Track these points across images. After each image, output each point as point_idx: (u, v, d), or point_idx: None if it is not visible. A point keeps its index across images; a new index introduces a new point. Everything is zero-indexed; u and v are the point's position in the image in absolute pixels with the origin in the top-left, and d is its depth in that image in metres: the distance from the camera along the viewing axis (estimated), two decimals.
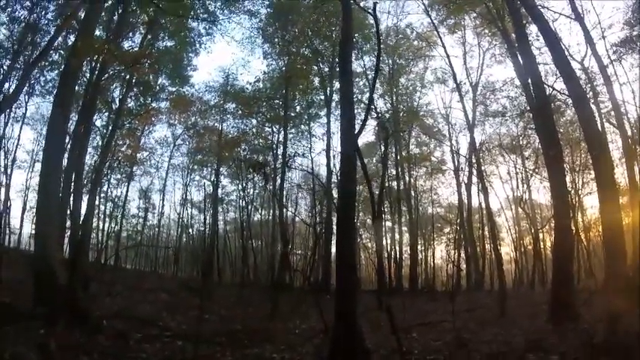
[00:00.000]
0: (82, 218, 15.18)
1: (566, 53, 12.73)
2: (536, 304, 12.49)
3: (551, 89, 14.91)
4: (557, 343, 6.93)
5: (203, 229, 31.29)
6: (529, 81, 12.27)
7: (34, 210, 19.85)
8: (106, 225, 29.30)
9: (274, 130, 25.29)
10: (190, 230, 33.01)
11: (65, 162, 12.81)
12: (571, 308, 9.09)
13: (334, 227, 21.06)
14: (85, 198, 17.24)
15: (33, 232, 26.86)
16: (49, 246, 8.26)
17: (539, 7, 11.18)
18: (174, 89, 23.84)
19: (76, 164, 15.09)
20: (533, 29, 13.77)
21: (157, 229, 35.00)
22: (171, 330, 8.30)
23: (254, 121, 25.46)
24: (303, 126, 26.05)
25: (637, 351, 5.55)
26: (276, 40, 22.65)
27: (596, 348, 5.97)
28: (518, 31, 12.12)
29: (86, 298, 7.62)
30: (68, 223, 15.34)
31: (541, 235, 26.34)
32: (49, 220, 8.60)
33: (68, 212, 14.93)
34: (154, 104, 22.93)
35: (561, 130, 18.19)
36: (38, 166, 27.37)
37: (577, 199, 23.83)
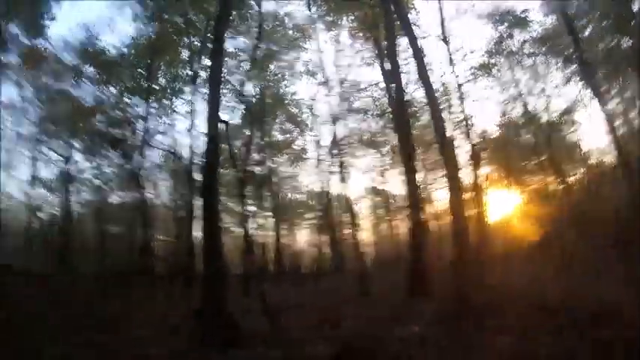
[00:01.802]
0: None
1: (429, 67, 14.34)
2: (395, 283, 13.86)
3: (412, 96, 16.78)
4: (414, 314, 7.79)
5: (55, 212, 27.14)
6: (392, 85, 13.54)
7: None
8: None
9: (135, 102, 23.00)
10: (40, 213, 28.32)
11: None
12: (425, 284, 10.40)
13: (197, 211, 20.47)
14: None
15: None
16: None
17: (412, 24, 12.42)
18: (26, 41, 20.02)
19: None
20: (403, 42, 15.13)
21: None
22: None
23: (113, 90, 22.81)
24: (166, 101, 24.21)
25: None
26: (148, 1, 20.68)
27: (448, 316, 6.91)
28: (389, 41, 13.28)
29: None
30: None
31: (396, 223, 29.53)
32: None
33: None
34: (1, 57, 19.13)
35: (416, 132, 20.30)
36: None
37: (427, 192, 27.14)
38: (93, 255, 24.95)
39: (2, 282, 12.16)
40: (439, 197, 28.23)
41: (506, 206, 22.52)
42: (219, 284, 6.96)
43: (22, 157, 27.35)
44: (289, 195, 33.57)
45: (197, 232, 18.45)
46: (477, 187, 17.79)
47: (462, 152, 20.29)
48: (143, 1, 20.84)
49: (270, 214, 28.16)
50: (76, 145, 24.68)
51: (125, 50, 21.63)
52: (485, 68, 20.24)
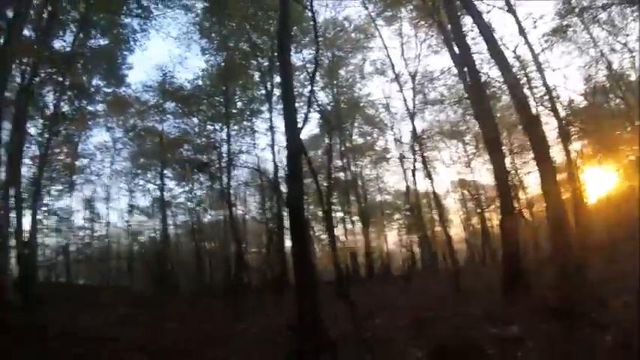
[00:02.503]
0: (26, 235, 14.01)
1: (500, 43, 13.29)
2: (489, 279, 13.06)
3: (487, 76, 15.64)
4: (512, 312, 7.23)
5: (153, 235, 29.93)
6: (465, 70, 12.71)
7: None
8: (53, 240, 27.13)
9: (217, 128, 24.56)
10: (140, 238, 31.47)
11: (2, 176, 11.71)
12: (522, 279, 9.57)
13: (286, 222, 21.14)
14: (28, 213, 16.00)
15: None
16: None
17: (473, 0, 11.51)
18: (109, 90, 22.55)
19: (14, 177, 13.82)
20: (467, 21, 14.28)
21: (106, 240, 33.14)
22: (131, 344, 7.85)
23: (195, 120, 24.60)
24: (245, 122, 25.46)
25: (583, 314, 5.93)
26: (213, 35, 21.91)
27: (549, 313, 6.29)
28: (453, 23, 12.51)
29: (41, 317, 6.97)
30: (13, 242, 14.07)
31: (487, 215, 27.79)
32: None
33: (10, 230, 13.67)
34: (89, 107, 21.74)
35: (498, 115, 19.02)
36: None
37: (517, 178, 25.26)
38: (190, 273, 26.92)
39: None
40: (531, 182, 26.42)
41: (605, 184, 20.30)
42: (309, 292, 7.08)
43: (120, 189, 30.86)
44: (375, 197, 33.73)
45: (288, 243, 19.04)
46: (570, 167, 16.12)
47: (550, 129, 18.84)
48: (208, 35, 22.10)
49: (357, 218, 28.22)
50: (168, 173, 27.06)
51: (200, 82, 23.04)
52: (559, 32, 18.43)
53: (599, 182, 20.51)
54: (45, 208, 23.27)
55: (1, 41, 10.76)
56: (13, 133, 14.22)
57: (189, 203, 28.35)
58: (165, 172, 26.70)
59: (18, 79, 14.91)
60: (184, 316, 11.76)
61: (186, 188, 27.60)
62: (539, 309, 6.80)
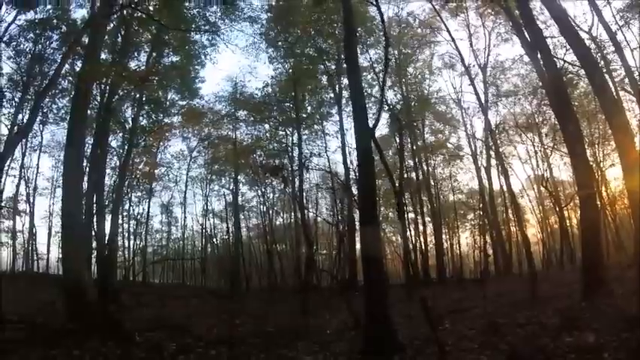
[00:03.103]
0: (107, 238, 15.53)
1: (573, 24, 12.38)
2: (567, 284, 12.21)
3: (563, 62, 14.58)
4: (591, 320, 6.78)
5: (227, 237, 31.62)
6: (538, 56, 11.93)
7: (60, 235, 20.50)
8: (132, 242, 29.87)
9: (288, 132, 25.39)
10: (214, 240, 33.39)
11: (85, 185, 13.15)
12: (603, 284, 8.84)
13: (357, 224, 21.28)
14: (109, 218, 17.70)
15: (60, 256, 27.89)
16: (77, 265, 8.46)
17: None
18: (184, 103, 24.13)
19: (96, 186, 15.48)
20: (537, 3, 13.50)
21: (181, 242, 35.57)
22: (204, 338, 8.45)
23: (267, 126, 25.62)
24: (316, 126, 26.01)
25: None
26: (279, 43, 22.59)
27: (631, 322, 5.84)
28: (521, 7, 11.85)
29: (117, 310, 7.73)
30: (94, 244, 15.74)
31: (566, 213, 25.78)
32: (74, 241, 8.82)
33: (93, 233, 15.30)
34: (166, 120, 23.30)
35: (576, 103, 17.67)
36: (59, 192, 28.31)
37: (599, 172, 23.23)
38: (262, 274, 27.98)
39: None
40: (613, 175, 24.08)
41: None
42: (379, 292, 7.18)
43: (195, 195, 32.92)
44: (447, 196, 32.71)
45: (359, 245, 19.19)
46: None
47: (632, 116, 17.06)
48: (274, 44, 22.84)
49: (429, 218, 27.62)
50: (241, 178, 28.45)
51: (269, 89, 23.96)
52: (636, 7, 16.36)
53: None
54: (125, 213, 25.47)
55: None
56: (95, 146, 15.82)
57: (261, 206, 29.63)
58: (238, 177, 28.20)
59: (98, 98, 16.57)
60: (257, 311, 12.34)
61: (259, 192, 28.92)
62: (620, 317, 6.31)
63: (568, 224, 26.12)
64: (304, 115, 24.59)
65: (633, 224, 8.15)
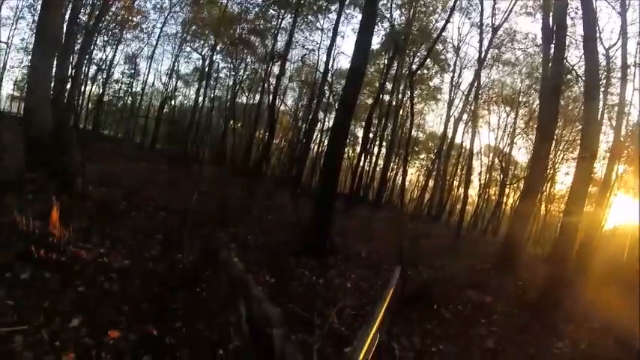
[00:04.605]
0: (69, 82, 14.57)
1: (598, 37, 12.22)
2: (485, 250, 13.63)
3: (570, 67, 15.25)
4: (494, 288, 7.86)
5: (186, 102, 30.74)
6: (551, 47, 11.70)
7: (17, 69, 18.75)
8: (88, 88, 28.49)
9: (280, 14, 23.87)
10: (172, 102, 32.45)
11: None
12: (514, 263, 10.16)
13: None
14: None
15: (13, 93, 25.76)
16: (42, 113, 7.94)
17: None
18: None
19: (70, 23, 13.94)
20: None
21: (139, 97, 34.34)
22: (154, 201, 8.76)
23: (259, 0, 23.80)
24: (310, 17, 24.53)
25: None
26: None
27: (527, 304, 6.89)
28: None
29: (70, 164, 7.54)
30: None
31: (506, 190, 27.91)
32: (41, 85, 8.02)
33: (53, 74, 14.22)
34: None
35: (562, 102, 18.06)
36: (22, 22, 25.45)
37: (552, 170, 25.05)
38: (213, 146, 27.79)
39: None
40: (560, 177, 26.44)
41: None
42: (327, 202, 7.62)
43: (165, 52, 30.49)
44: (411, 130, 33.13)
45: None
46: (606, 189, 15.43)
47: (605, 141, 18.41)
48: None
49: (385, 143, 28.16)
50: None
51: None
52: None
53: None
54: (86, 56, 23.78)
55: None
56: None
57: (229, 80, 28.63)
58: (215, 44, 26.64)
59: None
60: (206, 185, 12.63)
61: (231, 65, 27.72)
62: (518, 296, 7.46)
63: (504, 200, 28.60)
64: (302, 1, 23.00)
65: (560, 226, 8.95)
